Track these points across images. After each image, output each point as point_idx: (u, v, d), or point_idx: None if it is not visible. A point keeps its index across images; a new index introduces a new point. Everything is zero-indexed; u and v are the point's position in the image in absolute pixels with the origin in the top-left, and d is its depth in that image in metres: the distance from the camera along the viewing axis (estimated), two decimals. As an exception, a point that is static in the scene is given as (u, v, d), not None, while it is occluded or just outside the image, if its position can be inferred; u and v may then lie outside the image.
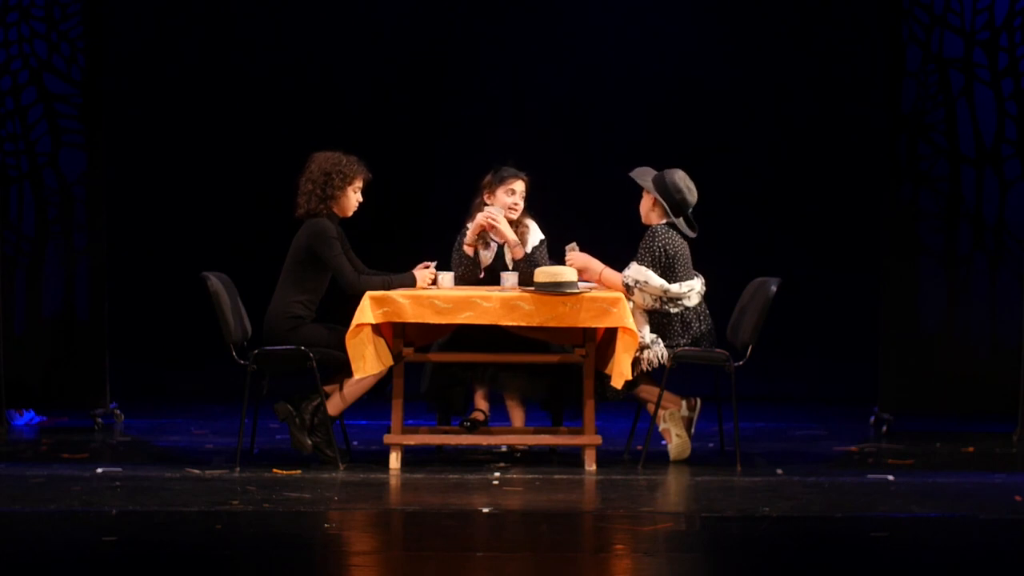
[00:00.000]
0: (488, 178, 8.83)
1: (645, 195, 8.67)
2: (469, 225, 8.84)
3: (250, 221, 11.26)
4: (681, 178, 8.59)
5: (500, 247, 8.85)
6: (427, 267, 8.55)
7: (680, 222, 8.60)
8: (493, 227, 8.72)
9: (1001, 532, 6.98)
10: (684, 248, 8.59)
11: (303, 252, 8.51)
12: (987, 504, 7.50)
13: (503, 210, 8.74)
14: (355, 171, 8.57)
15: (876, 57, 10.52)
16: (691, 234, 8.62)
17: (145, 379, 11.26)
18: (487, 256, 8.86)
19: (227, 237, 11.28)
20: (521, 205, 8.81)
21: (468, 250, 8.79)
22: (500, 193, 8.78)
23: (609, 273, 8.56)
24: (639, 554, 6.62)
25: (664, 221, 8.61)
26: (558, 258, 8.70)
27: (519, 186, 8.80)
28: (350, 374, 8.35)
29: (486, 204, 8.82)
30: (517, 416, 8.80)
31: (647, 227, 8.67)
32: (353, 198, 8.58)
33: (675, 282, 8.52)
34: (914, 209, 10.11)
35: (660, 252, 8.51)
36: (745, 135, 11.45)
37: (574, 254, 8.58)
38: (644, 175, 8.67)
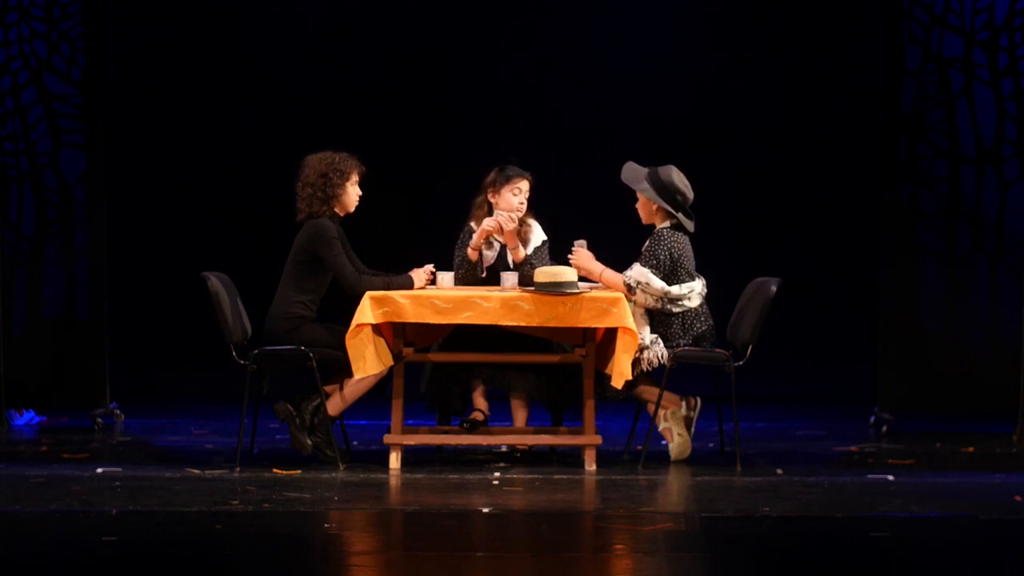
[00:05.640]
0: (492, 176, 8.82)
1: (642, 198, 8.65)
2: (472, 224, 8.83)
3: (250, 221, 11.26)
4: (678, 177, 8.57)
5: (503, 246, 8.84)
6: (429, 272, 8.53)
7: (681, 217, 8.59)
8: (503, 231, 8.71)
9: (1001, 532, 6.98)
10: (688, 249, 8.59)
11: (304, 252, 8.51)
12: (987, 504, 7.50)
13: (510, 212, 8.72)
14: (351, 166, 8.58)
15: (876, 57, 10.52)
16: (692, 228, 8.62)
17: (145, 379, 11.26)
18: (490, 256, 8.85)
19: (227, 237, 11.28)
20: (525, 205, 8.81)
21: (472, 254, 8.77)
22: (506, 192, 8.77)
23: (609, 274, 8.56)
24: (639, 554, 6.62)
25: (668, 223, 8.59)
26: (560, 259, 8.69)
27: (524, 185, 8.79)
28: (350, 374, 8.35)
29: (489, 203, 8.81)
30: (520, 416, 8.78)
31: (649, 227, 8.66)
32: (353, 193, 8.59)
33: (677, 284, 8.51)
34: (914, 209, 10.11)
35: (665, 256, 8.50)
36: (745, 135, 11.45)
37: (579, 252, 8.57)
38: (637, 177, 8.62)
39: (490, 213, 8.80)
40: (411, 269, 8.52)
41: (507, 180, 8.77)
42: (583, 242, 8.61)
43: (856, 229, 11.29)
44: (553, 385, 8.76)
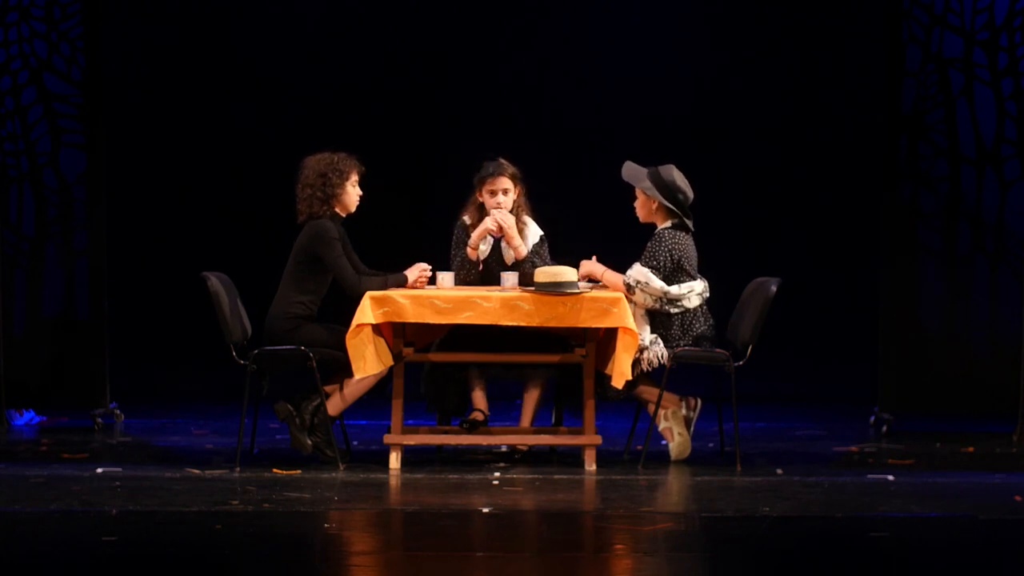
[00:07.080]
0: (476, 176, 8.82)
1: (643, 196, 8.64)
2: (466, 219, 8.81)
3: (250, 221, 11.26)
4: (679, 176, 8.57)
5: (497, 241, 8.82)
6: (424, 270, 8.52)
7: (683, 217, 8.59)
8: (502, 231, 8.70)
9: (1001, 532, 6.98)
10: (690, 249, 8.57)
11: (304, 253, 8.52)
12: (987, 504, 7.50)
13: (500, 212, 8.71)
14: (350, 165, 8.58)
15: (876, 57, 10.52)
16: (691, 227, 8.62)
17: (145, 379, 11.26)
18: (483, 250, 8.83)
19: (227, 237, 11.28)
20: (507, 203, 8.76)
21: (472, 253, 8.76)
22: (485, 193, 8.75)
23: (611, 274, 8.56)
24: (639, 554, 6.62)
25: (670, 223, 8.59)
26: (561, 256, 8.69)
27: (500, 183, 8.74)
28: (350, 374, 8.36)
29: (480, 202, 8.80)
30: (529, 410, 8.73)
31: (649, 226, 8.65)
32: (353, 193, 8.59)
33: (678, 284, 8.51)
34: (914, 209, 10.11)
35: (665, 257, 8.49)
36: (745, 135, 11.45)
37: (587, 262, 8.59)
38: (638, 176, 8.62)
39: (482, 208, 8.79)
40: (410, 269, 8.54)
41: (481, 183, 8.76)
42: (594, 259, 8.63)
43: (856, 229, 11.28)
44: (560, 381, 8.76)
